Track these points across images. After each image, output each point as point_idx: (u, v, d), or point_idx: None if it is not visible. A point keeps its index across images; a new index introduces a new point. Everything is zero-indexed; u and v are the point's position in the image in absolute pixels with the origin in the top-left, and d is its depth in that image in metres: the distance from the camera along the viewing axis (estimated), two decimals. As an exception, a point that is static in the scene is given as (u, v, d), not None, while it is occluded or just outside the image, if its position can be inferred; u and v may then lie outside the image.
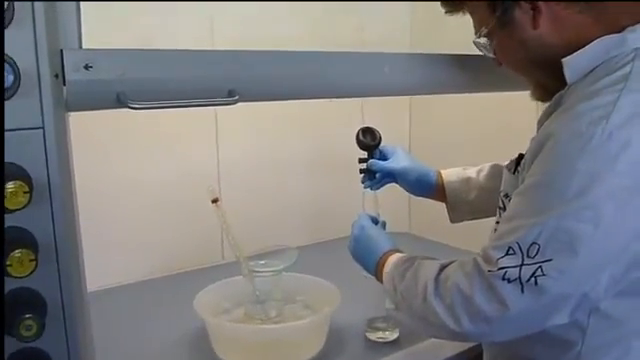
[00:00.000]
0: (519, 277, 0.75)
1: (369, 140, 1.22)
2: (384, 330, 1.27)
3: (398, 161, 1.23)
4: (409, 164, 1.24)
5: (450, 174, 1.26)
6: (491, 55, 0.95)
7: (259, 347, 1.17)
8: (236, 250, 1.26)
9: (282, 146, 1.85)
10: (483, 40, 0.93)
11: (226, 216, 1.25)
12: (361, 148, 1.23)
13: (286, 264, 1.27)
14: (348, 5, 1.76)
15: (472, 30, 0.96)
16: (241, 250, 1.26)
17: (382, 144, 1.24)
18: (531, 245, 0.75)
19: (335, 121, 1.86)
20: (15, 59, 0.67)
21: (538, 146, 0.80)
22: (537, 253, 0.75)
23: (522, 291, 0.75)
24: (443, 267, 0.87)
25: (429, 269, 0.87)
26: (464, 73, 1.13)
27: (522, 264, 0.76)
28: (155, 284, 1.62)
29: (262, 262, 1.29)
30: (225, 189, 1.60)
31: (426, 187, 1.26)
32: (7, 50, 0.67)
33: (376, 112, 1.97)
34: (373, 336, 1.26)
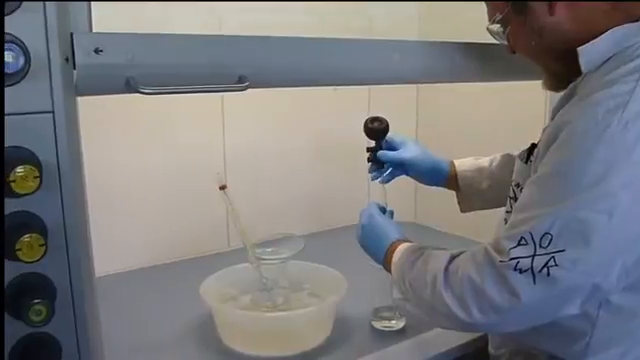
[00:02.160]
0: (531, 268, 0.75)
1: (377, 126, 1.21)
2: (390, 319, 1.26)
3: (408, 151, 1.22)
4: (420, 154, 1.23)
5: (463, 163, 1.26)
6: (504, 42, 0.95)
7: (265, 334, 1.17)
8: (243, 237, 1.25)
9: (289, 134, 1.84)
10: (496, 27, 0.92)
11: (233, 203, 1.24)
12: (369, 136, 1.22)
13: (293, 252, 1.27)
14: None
15: (480, 20, 0.95)
16: (248, 237, 1.26)
17: (391, 134, 1.23)
18: (544, 235, 0.75)
19: (342, 110, 1.86)
20: (25, 42, 0.67)
21: (552, 135, 0.80)
22: (549, 243, 0.74)
23: (534, 282, 0.75)
24: (453, 257, 0.86)
25: (439, 259, 0.87)
26: (474, 61, 1.12)
27: (534, 254, 0.75)
28: (161, 271, 1.62)
29: (269, 250, 1.29)
30: (231, 176, 1.60)
31: (438, 177, 1.25)
32: (17, 33, 0.66)
33: (383, 101, 1.96)
34: (379, 325, 1.26)
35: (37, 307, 0.69)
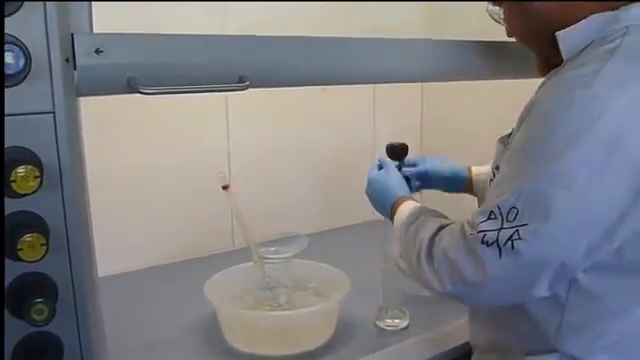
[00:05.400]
0: (497, 240, 0.77)
1: (399, 145, 1.24)
2: (394, 318, 1.27)
3: (428, 163, 1.27)
4: (438, 163, 1.27)
5: (479, 168, 1.28)
6: (503, 24, 0.96)
7: (269, 333, 1.17)
8: (247, 236, 1.25)
9: (293, 133, 1.84)
10: (496, 9, 0.95)
11: (237, 202, 1.24)
12: (391, 155, 1.24)
13: (296, 251, 1.27)
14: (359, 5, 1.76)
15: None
16: (252, 236, 1.26)
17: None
18: (510, 209, 0.77)
19: (347, 109, 1.86)
20: (26, 43, 0.67)
21: (524, 114, 0.82)
22: (515, 217, 0.76)
23: (500, 255, 0.77)
24: (441, 228, 0.89)
25: (428, 228, 0.90)
26: (480, 59, 1.12)
27: (501, 228, 0.77)
28: (165, 270, 1.63)
29: (272, 249, 1.29)
30: (236, 175, 1.60)
31: (458, 183, 1.28)
32: (18, 34, 0.66)
33: (387, 100, 1.96)
34: (383, 324, 1.27)
35: (39, 306, 0.69)
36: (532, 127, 0.80)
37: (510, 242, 0.76)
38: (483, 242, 0.78)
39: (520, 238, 0.75)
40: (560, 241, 0.75)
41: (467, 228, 0.82)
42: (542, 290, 0.78)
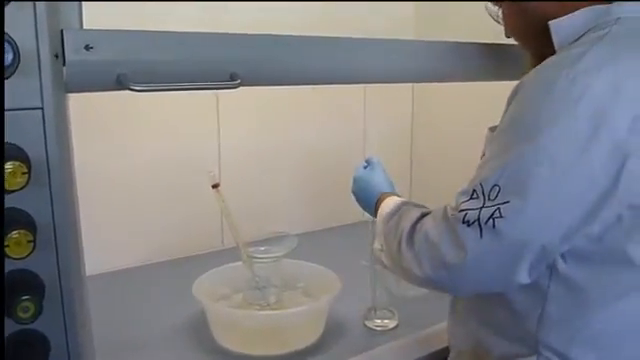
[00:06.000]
0: (478, 219, 0.76)
1: None
2: (383, 318, 1.27)
3: None
4: None
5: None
6: (501, 23, 0.97)
7: (257, 333, 1.17)
8: (236, 236, 1.25)
9: (284, 132, 1.84)
10: (495, 8, 0.96)
11: (226, 202, 1.24)
12: None
13: (286, 251, 1.27)
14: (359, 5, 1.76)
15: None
16: (241, 236, 1.25)
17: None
18: (492, 187, 0.77)
19: (337, 108, 1.85)
20: (15, 38, 0.66)
21: (512, 95, 0.83)
22: (497, 196, 0.76)
23: (481, 235, 0.76)
24: (423, 215, 0.88)
25: (410, 217, 0.90)
26: (473, 61, 1.13)
27: (482, 206, 0.77)
28: (154, 269, 1.62)
29: (262, 248, 1.28)
30: (225, 174, 1.60)
31: None
32: (7, 29, 0.66)
33: (378, 99, 1.96)
34: (372, 324, 1.26)
35: (25, 304, 0.68)
36: (517, 106, 0.80)
37: (491, 220, 0.75)
38: (464, 222, 0.77)
39: (501, 216, 0.75)
40: (540, 220, 0.75)
41: (449, 210, 0.82)
42: (522, 276, 0.78)
